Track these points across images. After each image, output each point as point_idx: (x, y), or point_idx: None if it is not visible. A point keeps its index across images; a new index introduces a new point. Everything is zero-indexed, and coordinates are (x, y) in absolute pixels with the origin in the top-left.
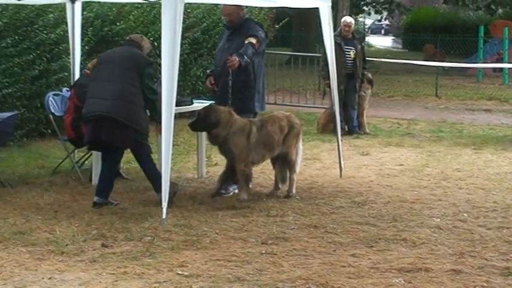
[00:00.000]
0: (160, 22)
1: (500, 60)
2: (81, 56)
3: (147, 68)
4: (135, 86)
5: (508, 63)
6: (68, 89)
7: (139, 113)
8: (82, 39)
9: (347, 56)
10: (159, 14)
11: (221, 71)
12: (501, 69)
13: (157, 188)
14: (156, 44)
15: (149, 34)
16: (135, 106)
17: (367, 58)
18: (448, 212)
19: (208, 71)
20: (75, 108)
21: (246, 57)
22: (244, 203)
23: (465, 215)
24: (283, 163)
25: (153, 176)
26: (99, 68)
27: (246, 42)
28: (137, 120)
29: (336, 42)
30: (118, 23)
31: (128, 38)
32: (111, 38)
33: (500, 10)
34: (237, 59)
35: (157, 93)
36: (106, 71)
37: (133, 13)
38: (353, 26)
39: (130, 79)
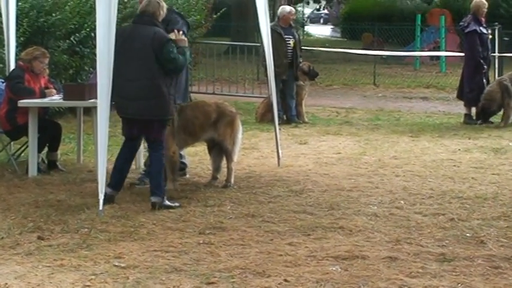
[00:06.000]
0: None
1: (437, 48)
2: (16, 47)
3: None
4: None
5: (445, 51)
6: (3, 80)
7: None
8: (17, 30)
9: (288, 45)
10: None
11: None
12: (438, 57)
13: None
14: (93, 34)
15: (86, 25)
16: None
17: (306, 47)
18: (385, 199)
19: None
20: (9, 100)
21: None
22: (180, 193)
23: (401, 202)
24: (219, 152)
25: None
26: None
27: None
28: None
29: (276, 32)
30: (54, 14)
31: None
32: (46, 28)
33: None
34: None
35: (176, 57)
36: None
37: (69, 3)
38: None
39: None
